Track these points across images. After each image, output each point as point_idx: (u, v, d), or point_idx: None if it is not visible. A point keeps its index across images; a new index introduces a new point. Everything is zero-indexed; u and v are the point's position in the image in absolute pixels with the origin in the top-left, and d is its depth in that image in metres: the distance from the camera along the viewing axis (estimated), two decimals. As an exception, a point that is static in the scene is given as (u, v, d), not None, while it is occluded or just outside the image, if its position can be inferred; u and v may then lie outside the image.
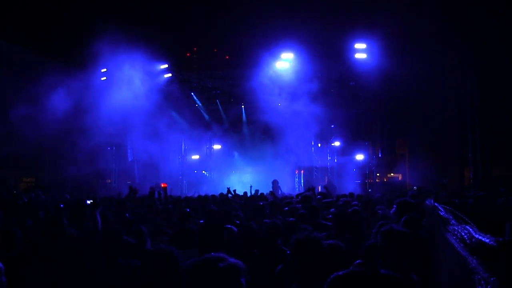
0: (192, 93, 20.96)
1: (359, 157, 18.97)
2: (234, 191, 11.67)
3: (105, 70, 17.66)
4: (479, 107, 16.51)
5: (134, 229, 4.51)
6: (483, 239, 1.87)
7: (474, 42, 15.82)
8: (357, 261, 2.86)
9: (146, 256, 2.49)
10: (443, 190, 9.56)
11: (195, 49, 20.46)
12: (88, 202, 6.57)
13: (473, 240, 1.92)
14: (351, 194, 9.96)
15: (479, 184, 15.17)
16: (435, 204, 3.41)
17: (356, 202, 7.32)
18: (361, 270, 2.49)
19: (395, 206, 4.98)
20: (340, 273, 2.37)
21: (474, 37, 15.66)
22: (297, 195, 9.15)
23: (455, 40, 16.24)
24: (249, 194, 12.66)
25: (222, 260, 1.77)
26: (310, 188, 9.56)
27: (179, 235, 3.89)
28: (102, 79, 17.74)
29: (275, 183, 16.62)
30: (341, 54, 16.85)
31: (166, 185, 9.70)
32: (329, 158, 20.13)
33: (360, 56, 16.51)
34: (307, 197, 7.24)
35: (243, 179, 19.75)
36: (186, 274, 1.78)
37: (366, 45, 16.43)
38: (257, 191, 13.09)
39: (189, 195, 13.41)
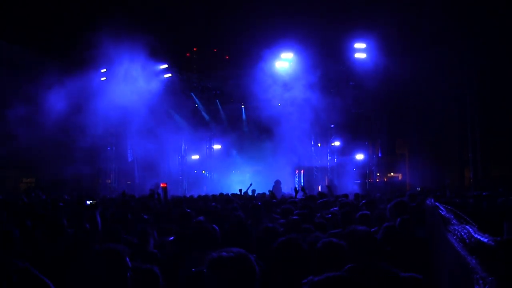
0: (192, 93, 20.95)
1: (359, 157, 18.97)
2: (240, 190, 11.71)
3: (104, 70, 17.67)
4: (479, 107, 16.51)
5: (138, 229, 4.51)
6: (481, 239, 1.87)
7: (474, 42, 15.82)
8: (348, 266, 2.83)
9: (93, 256, 2.43)
10: (446, 190, 9.53)
11: (195, 49, 20.47)
12: (88, 202, 6.57)
13: (472, 239, 1.92)
14: (356, 196, 9.93)
15: (479, 184, 15.17)
16: (436, 204, 3.41)
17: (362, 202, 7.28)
18: (339, 275, 2.43)
19: (389, 205, 5.03)
20: (317, 278, 2.32)
21: (474, 37, 15.66)
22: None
23: (455, 40, 16.23)
24: (249, 193, 12.72)
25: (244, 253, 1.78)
26: (302, 188, 9.60)
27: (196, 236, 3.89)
28: (102, 79, 17.74)
29: (277, 183, 16.62)
30: (341, 53, 16.86)
31: (165, 185, 9.62)
32: (329, 158, 20.12)
33: (359, 55, 16.51)
34: (312, 197, 7.27)
35: (242, 179, 19.77)
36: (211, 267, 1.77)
37: (366, 45, 16.44)
38: (253, 191, 13.11)
39: (187, 195, 13.41)
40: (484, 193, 7.53)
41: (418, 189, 13.15)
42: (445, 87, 17.50)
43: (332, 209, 6.69)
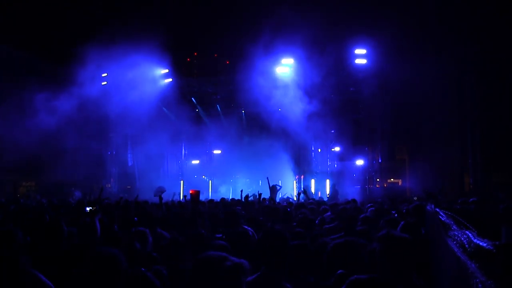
0: (193, 98, 21.00)
1: (359, 162, 18.96)
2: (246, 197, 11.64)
3: (105, 74, 17.72)
4: (479, 113, 16.53)
5: (138, 232, 4.49)
6: (480, 244, 1.87)
7: (474, 48, 15.88)
8: (339, 271, 2.80)
9: (90, 260, 2.47)
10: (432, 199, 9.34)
11: (195, 54, 20.54)
12: (88, 209, 6.55)
13: (472, 245, 1.92)
14: (353, 200, 9.82)
15: (479, 190, 15.15)
16: (436, 209, 3.41)
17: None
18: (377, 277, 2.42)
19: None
20: (361, 277, 2.31)
21: (474, 43, 15.72)
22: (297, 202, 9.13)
23: (455, 46, 16.30)
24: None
25: (225, 259, 1.82)
26: (302, 191, 9.50)
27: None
28: (103, 83, 17.79)
29: (273, 188, 16.57)
30: (341, 59, 16.91)
31: (194, 192, 8.07)
32: (329, 163, 20.11)
33: (360, 61, 16.56)
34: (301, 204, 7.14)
35: (242, 183, 19.74)
36: (191, 270, 1.83)
37: (366, 51, 16.49)
38: (247, 196, 13.05)
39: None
40: (470, 199, 7.47)
41: (415, 198, 13.04)
42: (445, 93, 17.54)
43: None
